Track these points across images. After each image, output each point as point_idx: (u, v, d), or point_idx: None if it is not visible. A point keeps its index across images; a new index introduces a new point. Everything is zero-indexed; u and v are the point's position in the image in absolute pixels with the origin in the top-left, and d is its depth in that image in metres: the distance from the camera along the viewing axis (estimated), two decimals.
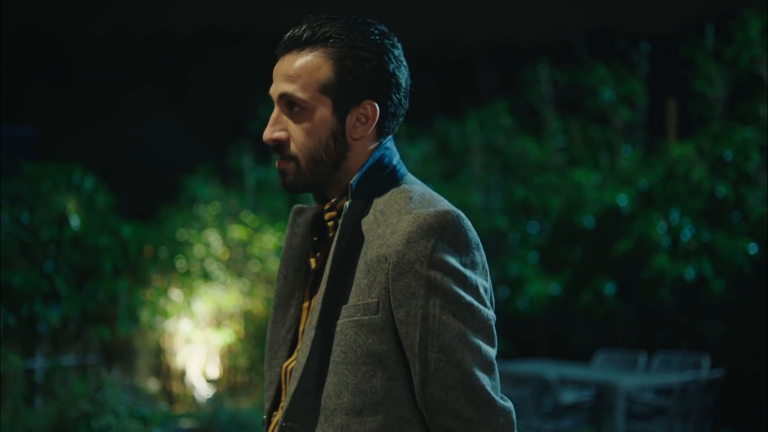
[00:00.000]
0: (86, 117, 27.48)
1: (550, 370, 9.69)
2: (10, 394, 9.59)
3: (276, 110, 2.39)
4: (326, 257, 2.39)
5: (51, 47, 29.45)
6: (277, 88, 2.37)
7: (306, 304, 2.45)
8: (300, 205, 2.53)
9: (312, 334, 2.27)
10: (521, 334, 12.92)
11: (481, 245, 2.32)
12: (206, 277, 12.36)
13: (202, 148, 19.77)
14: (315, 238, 2.47)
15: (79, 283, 10.58)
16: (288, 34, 2.38)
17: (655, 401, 9.38)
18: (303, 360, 2.27)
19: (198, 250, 12.62)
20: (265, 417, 2.48)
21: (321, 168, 2.35)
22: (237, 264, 12.80)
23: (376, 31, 2.37)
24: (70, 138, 25.24)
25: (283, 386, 2.43)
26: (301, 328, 2.44)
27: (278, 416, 2.42)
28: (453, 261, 2.23)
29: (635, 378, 9.34)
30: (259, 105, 15.02)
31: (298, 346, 2.40)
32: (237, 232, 12.81)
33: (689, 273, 10.47)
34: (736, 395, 10.08)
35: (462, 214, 2.28)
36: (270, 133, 2.37)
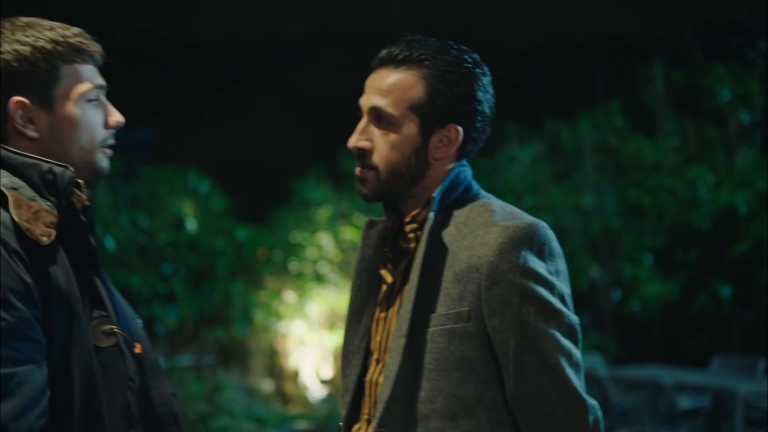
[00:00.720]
0: (198, 119, 27.94)
1: (665, 375, 9.55)
2: None
3: (364, 120, 2.49)
4: (399, 268, 2.49)
5: (163, 50, 30.00)
6: (368, 100, 2.47)
7: (381, 314, 2.51)
8: (372, 218, 2.61)
9: (402, 342, 2.36)
10: (635, 338, 12.77)
11: (562, 254, 2.43)
12: (319, 279, 12.47)
13: (314, 150, 19.94)
14: (386, 250, 2.55)
15: (196, 285, 10.77)
16: (385, 51, 2.49)
17: None
18: (394, 368, 2.36)
19: (311, 252, 12.74)
20: (341, 424, 2.55)
21: (400, 182, 2.46)
22: (349, 266, 12.88)
23: (469, 59, 2.47)
24: (183, 140, 25.68)
25: (367, 396, 2.50)
26: (377, 338, 2.51)
27: (358, 426, 2.51)
28: (541, 270, 2.34)
29: (754, 384, 9.15)
30: None
31: (376, 356, 2.50)
32: (349, 234, 12.89)
33: None
34: None
35: (546, 225, 2.39)
36: (356, 141, 2.47)
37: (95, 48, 2.39)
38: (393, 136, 2.44)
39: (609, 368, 10.12)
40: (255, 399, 11.20)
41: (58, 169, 2.25)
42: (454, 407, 2.33)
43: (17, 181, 2.23)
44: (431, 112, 2.44)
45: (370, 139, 2.46)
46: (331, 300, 12.48)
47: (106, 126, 2.41)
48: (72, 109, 2.33)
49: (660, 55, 14.02)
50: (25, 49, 2.28)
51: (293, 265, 12.43)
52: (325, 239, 12.89)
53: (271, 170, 21.80)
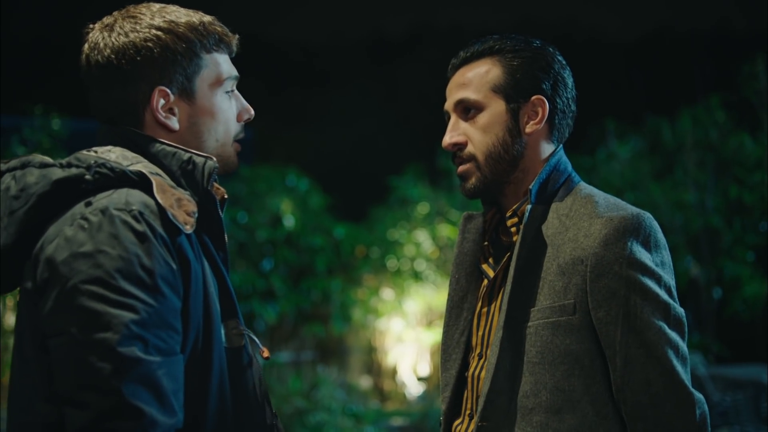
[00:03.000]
0: (300, 119, 28.20)
1: (767, 374, 9.39)
2: None
3: (453, 118, 2.53)
4: (501, 262, 2.49)
5: (265, 50, 30.32)
6: (451, 99, 2.53)
7: (484, 309, 2.51)
8: (470, 212, 2.63)
9: (500, 334, 2.35)
10: (737, 337, 12.55)
11: (667, 246, 2.41)
12: (417, 276, 12.50)
13: (412, 148, 19.98)
14: (486, 243, 2.56)
15: (294, 282, 10.88)
16: (456, 58, 2.56)
17: None
18: (494, 361, 2.35)
19: (408, 249, 12.77)
20: (441, 418, 2.55)
21: (500, 165, 2.47)
22: (447, 263, 12.89)
23: (538, 41, 2.52)
24: (285, 139, 25.92)
25: (470, 391, 2.49)
26: (480, 333, 2.50)
27: (459, 420, 2.50)
28: (648, 261, 2.32)
29: None
30: None
31: (478, 350, 2.49)
32: (446, 231, 12.90)
33: None
34: None
35: (651, 216, 2.38)
36: (449, 138, 2.50)
37: (232, 37, 2.33)
38: (483, 121, 2.47)
39: (709, 367, 9.98)
40: (352, 396, 11.28)
41: (198, 159, 2.16)
42: (559, 401, 2.31)
43: (155, 168, 2.13)
44: (513, 88, 2.47)
45: (462, 134, 2.49)
46: (429, 297, 12.50)
47: (239, 119, 2.34)
48: (212, 100, 2.25)
49: (764, 50, 13.76)
50: (168, 38, 2.18)
51: (391, 263, 12.48)
52: (422, 236, 12.91)
53: (370, 168, 21.91)
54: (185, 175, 2.15)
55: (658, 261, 2.35)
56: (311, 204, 11.36)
